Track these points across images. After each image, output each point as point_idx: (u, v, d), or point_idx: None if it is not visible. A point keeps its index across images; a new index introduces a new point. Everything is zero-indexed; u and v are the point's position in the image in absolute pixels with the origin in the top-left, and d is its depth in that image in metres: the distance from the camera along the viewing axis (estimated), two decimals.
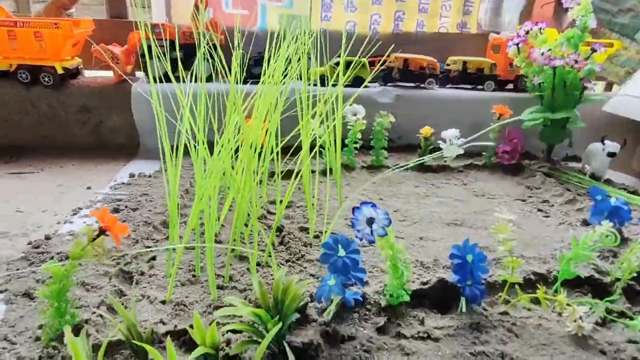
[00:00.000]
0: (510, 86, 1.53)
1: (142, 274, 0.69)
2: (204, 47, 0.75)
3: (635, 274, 0.68)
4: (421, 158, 0.88)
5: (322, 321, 0.58)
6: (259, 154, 0.84)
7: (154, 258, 0.74)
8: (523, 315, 0.64)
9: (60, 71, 1.22)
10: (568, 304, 0.61)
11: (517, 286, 0.64)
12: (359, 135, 1.17)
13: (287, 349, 0.48)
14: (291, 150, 0.89)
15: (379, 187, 1.10)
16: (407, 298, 0.61)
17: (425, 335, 0.58)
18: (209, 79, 1.37)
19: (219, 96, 0.96)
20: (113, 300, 0.50)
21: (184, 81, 0.79)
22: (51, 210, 0.93)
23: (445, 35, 1.75)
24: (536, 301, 0.64)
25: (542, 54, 1.18)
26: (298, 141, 0.81)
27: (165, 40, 1.28)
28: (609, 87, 1.73)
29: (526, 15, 1.89)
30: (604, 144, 1.17)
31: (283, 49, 0.78)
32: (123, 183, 1.07)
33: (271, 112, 0.78)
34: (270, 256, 0.76)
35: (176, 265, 0.66)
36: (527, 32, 1.26)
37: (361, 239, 0.54)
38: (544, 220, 0.95)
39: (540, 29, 1.26)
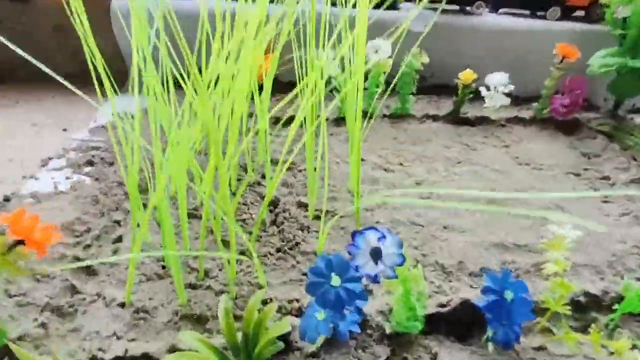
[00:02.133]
0: (581, 13, 1.22)
1: (103, 263, 0.58)
2: None
3: None
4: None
5: (307, 352, 0.46)
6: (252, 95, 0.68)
7: (120, 239, 0.62)
8: (564, 354, 0.51)
9: None
10: (621, 349, 0.47)
11: (562, 315, 0.50)
12: (382, 78, 0.96)
13: None
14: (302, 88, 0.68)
15: (401, 146, 0.93)
16: (418, 329, 0.48)
17: None
18: None
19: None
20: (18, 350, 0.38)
21: None
22: (18, 160, 0.81)
23: None
24: (583, 328, 0.50)
25: None
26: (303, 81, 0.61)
27: None
28: None
29: None
30: None
31: None
32: (103, 126, 0.93)
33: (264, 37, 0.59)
34: (258, 240, 0.64)
35: (131, 269, 0.54)
36: None
37: (361, 277, 0.39)
38: (601, 207, 0.77)
39: None
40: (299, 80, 0.64)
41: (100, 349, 0.46)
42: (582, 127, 1.05)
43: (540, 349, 0.51)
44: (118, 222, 0.65)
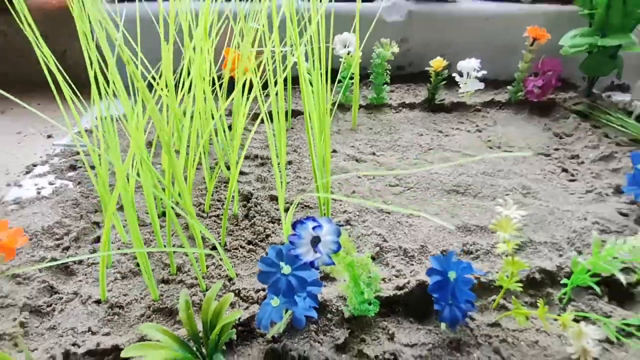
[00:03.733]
0: None
1: (80, 262, 0.61)
2: None
3: None
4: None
5: (269, 337, 0.49)
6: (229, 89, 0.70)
7: (98, 239, 0.65)
8: (517, 329, 0.53)
9: None
10: (567, 323, 0.50)
11: (511, 294, 0.53)
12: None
13: None
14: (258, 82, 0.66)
15: (376, 135, 0.94)
16: (373, 312, 0.51)
17: (393, 356, 0.49)
18: None
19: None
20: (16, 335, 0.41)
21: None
22: (4, 167, 0.84)
23: None
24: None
25: None
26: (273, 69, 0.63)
27: None
28: None
29: None
30: None
31: None
32: (87, 130, 0.96)
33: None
34: (230, 234, 0.66)
35: (102, 267, 0.57)
36: None
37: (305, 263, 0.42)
38: (567, 186, 0.79)
39: None
40: (270, 78, 0.66)
41: (74, 344, 0.49)
42: (557, 107, 1.06)
43: (495, 325, 0.53)
44: (97, 224, 0.68)
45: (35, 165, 0.84)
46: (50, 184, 0.79)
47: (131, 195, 0.54)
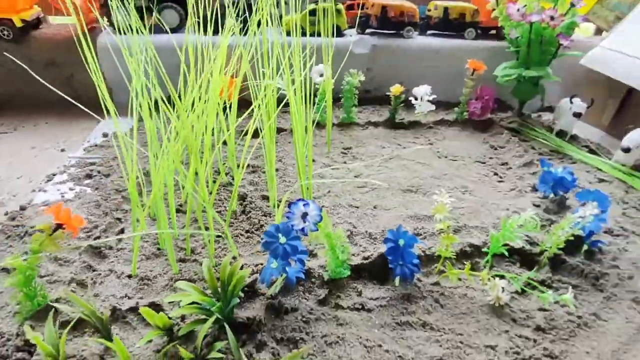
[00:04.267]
0: (494, 32, 1.48)
1: (111, 248, 0.75)
2: None
3: (563, 245, 0.75)
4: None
5: (269, 295, 0.66)
6: (224, 110, 0.86)
7: (122, 231, 0.80)
8: (452, 286, 0.72)
9: (19, 24, 1.18)
10: (490, 277, 0.68)
11: (447, 261, 0.71)
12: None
13: (228, 329, 0.55)
14: (256, 106, 0.80)
15: (347, 148, 1.13)
16: (346, 274, 0.68)
17: (360, 306, 0.66)
18: (178, 28, 1.32)
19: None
20: (71, 294, 0.56)
21: (150, 32, 0.79)
22: (26, 177, 0.97)
23: None
24: (475, 274, 0.71)
25: (518, 10, 1.13)
26: (263, 97, 0.80)
27: None
28: (598, 32, 1.67)
29: None
30: (572, 103, 1.18)
31: None
32: (96, 145, 1.10)
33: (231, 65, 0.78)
34: (231, 225, 0.82)
35: (137, 245, 0.72)
36: None
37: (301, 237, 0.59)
38: (496, 186, 1.00)
39: None
40: (254, 99, 0.83)
41: (117, 305, 0.63)
42: (494, 125, 1.29)
43: (436, 284, 0.71)
44: (119, 219, 0.83)
45: (54, 175, 0.98)
46: (71, 189, 0.93)
47: (161, 191, 0.70)
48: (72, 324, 0.53)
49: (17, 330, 0.57)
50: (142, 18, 1.22)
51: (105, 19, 1.39)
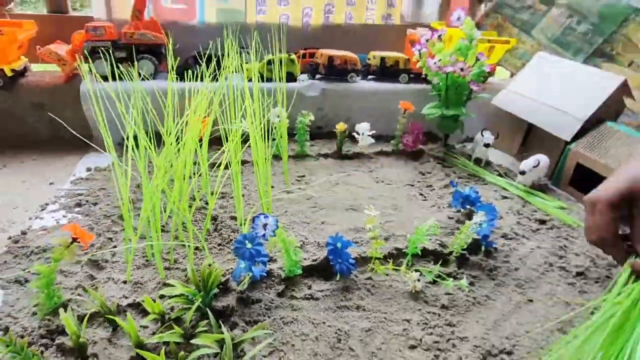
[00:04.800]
0: (424, 76, 1.77)
1: (107, 261, 0.91)
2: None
3: (465, 246, 0.99)
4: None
5: (239, 290, 0.84)
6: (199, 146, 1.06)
7: (115, 247, 0.96)
8: (381, 279, 0.93)
9: (9, 73, 1.34)
10: (408, 271, 0.91)
11: (376, 260, 0.93)
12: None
13: (209, 312, 0.73)
14: (227, 142, 1.01)
15: (301, 176, 1.35)
16: (299, 272, 0.88)
17: (310, 296, 0.86)
18: (153, 75, 1.52)
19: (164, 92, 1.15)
20: (88, 288, 0.73)
21: (130, 79, 0.98)
22: (21, 207, 1.11)
23: (372, 27, 1.94)
24: (396, 269, 0.93)
25: (435, 62, 1.42)
26: (231, 134, 1.00)
27: (108, 41, 1.41)
28: (512, 76, 2.02)
29: (446, 6, 2.12)
30: (483, 136, 1.46)
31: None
32: (82, 178, 1.26)
33: (204, 108, 0.99)
34: (206, 240, 1.01)
35: (131, 254, 0.89)
36: (427, 40, 1.49)
37: (259, 237, 0.79)
38: (422, 203, 1.24)
39: (440, 35, 1.50)
40: (226, 137, 1.04)
41: (118, 302, 0.80)
42: (424, 154, 1.56)
43: (368, 278, 0.93)
44: (110, 239, 0.99)
45: (47, 204, 1.12)
46: (64, 216, 1.08)
47: (154, 207, 0.88)
48: (87, 315, 0.70)
49: (39, 324, 0.73)
50: (118, 67, 1.41)
51: (86, 67, 1.57)
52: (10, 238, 0.97)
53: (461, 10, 1.41)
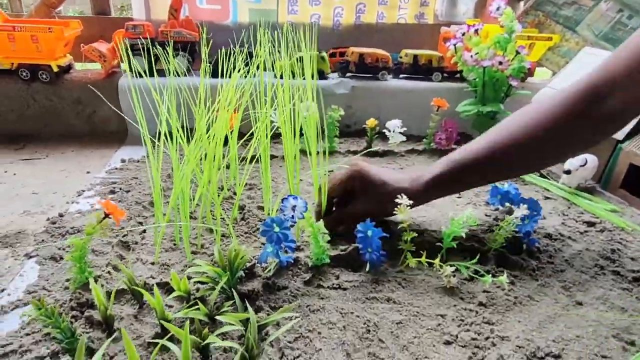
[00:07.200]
0: (458, 75, 1.73)
1: (136, 243, 0.92)
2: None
3: (504, 243, 0.93)
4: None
5: (264, 276, 0.82)
6: (225, 141, 1.06)
7: (144, 231, 0.97)
8: (413, 273, 0.89)
9: (55, 69, 1.40)
10: (441, 266, 0.86)
11: (408, 253, 0.89)
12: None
13: (235, 294, 0.72)
14: (255, 137, 1.02)
15: (330, 172, 1.33)
16: (327, 261, 0.86)
17: (338, 286, 0.83)
18: (188, 71, 1.55)
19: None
20: (119, 263, 0.73)
21: (166, 75, 1.00)
22: (60, 192, 1.15)
23: (404, 26, 1.92)
24: (429, 263, 0.89)
25: (471, 56, 1.38)
26: (260, 129, 1.00)
27: (146, 39, 1.45)
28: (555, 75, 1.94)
29: (482, 4, 2.06)
30: None
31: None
32: (116, 168, 1.29)
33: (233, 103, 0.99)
34: (233, 228, 1.00)
35: (160, 236, 0.89)
36: (464, 34, 1.45)
37: (288, 220, 0.77)
38: (456, 200, 1.19)
39: (477, 30, 1.45)
40: (255, 131, 1.04)
41: (146, 281, 0.79)
42: None
43: (400, 271, 0.89)
44: (141, 223, 1.00)
45: (83, 191, 1.15)
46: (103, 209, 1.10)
47: (183, 191, 0.88)
48: (114, 290, 0.70)
49: (70, 296, 0.74)
50: (157, 63, 1.44)
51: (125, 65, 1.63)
52: (48, 219, 1.00)
53: (501, 0, 1.36)
